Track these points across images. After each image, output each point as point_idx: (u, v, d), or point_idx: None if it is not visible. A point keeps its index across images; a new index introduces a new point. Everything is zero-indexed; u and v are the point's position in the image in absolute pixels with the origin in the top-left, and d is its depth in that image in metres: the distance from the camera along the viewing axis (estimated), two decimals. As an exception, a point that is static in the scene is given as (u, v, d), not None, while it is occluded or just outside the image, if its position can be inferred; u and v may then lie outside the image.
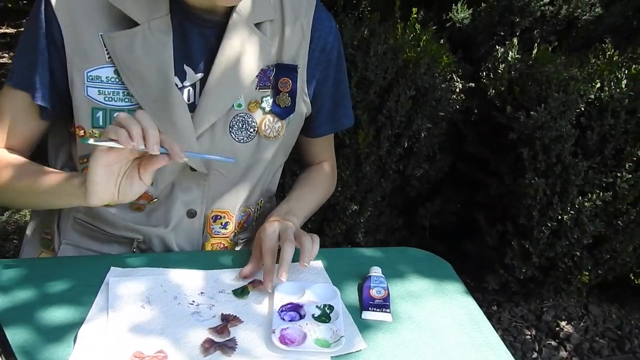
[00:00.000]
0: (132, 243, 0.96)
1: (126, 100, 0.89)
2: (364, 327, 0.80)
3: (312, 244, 0.87)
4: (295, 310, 0.80)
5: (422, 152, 2.01)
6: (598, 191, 1.76)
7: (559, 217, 1.83)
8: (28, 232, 1.06)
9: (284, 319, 0.78)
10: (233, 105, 0.92)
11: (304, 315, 0.79)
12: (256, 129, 0.96)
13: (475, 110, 2.06)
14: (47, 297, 0.79)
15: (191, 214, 0.97)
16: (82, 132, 0.91)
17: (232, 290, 0.83)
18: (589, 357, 1.92)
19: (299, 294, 0.83)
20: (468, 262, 2.08)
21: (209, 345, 0.72)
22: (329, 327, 0.77)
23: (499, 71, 1.89)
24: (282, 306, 0.80)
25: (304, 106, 1.01)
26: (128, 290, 0.81)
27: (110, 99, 0.89)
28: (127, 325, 0.74)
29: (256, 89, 0.94)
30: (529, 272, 1.94)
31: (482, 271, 2.06)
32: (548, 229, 1.85)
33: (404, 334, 0.80)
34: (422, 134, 1.97)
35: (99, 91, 0.88)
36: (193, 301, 0.80)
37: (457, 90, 1.98)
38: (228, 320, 0.77)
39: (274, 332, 0.74)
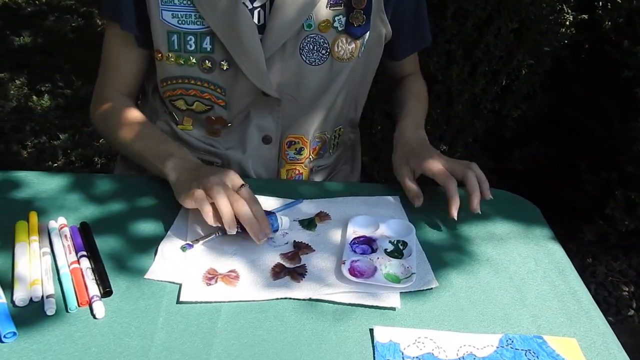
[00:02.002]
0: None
1: (198, 23, 0.89)
2: (439, 266, 0.77)
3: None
4: (367, 244, 0.79)
5: (522, 91, 1.87)
6: None
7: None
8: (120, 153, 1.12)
9: (355, 252, 0.77)
10: (303, 25, 0.90)
11: (376, 250, 0.77)
12: (328, 50, 0.93)
13: (586, 46, 1.87)
14: (134, 212, 0.84)
15: (267, 140, 0.98)
16: (159, 56, 0.92)
17: (299, 221, 0.83)
18: (694, 320, 1.78)
19: (372, 228, 0.82)
20: (563, 211, 1.96)
21: (279, 270, 0.73)
22: (401, 262, 0.75)
23: (619, 0, 1.68)
24: (355, 239, 0.79)
25: (381, 26, 0.96)
26: None
27: (183, 22, 0.89)
28: (204, 245, 0.77)
29: (327, 7, 0.91)
30: (632, 224, 1.79)
31: (578, 221, 1.94)
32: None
33: (481, 276, 0.76)
34: (523, 71, 1.83)
35: (172, 14, 0.89)
36: None
37: (567, 23, 1.80)
38: (300, 248, 0.78)
39: (344, 263, 0.74)
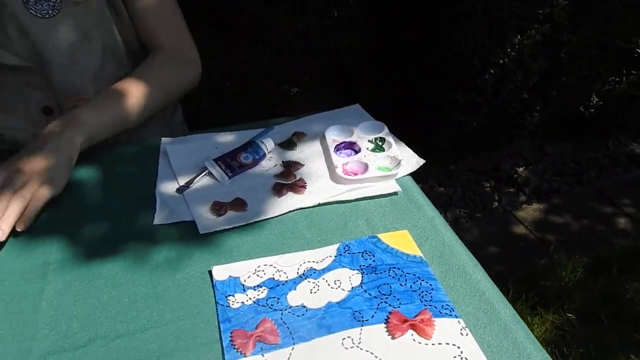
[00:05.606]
0: None
1: None
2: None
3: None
4: (350, 148, 0.89)
5: (344, 19, 2.05)
6: (537, 25, 1.94)
7: (501, 62, 2.01)
8: None
9: (341, 156, 0.87)
10: None
11: (359, 150, 0.88)
12: None
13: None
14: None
15: (47, 111, 0.95)
16: None
17: (278, 144, 0.91)
18: (548, 197, 2.21)
19: (348, 134, 0.92)
20: (419, 129, 2.23)
21: (280, 188, 0.80)
22: (386, 155, 0.87)
23: None
24: (336, 146, 0.89)
25: None
26: (186, 155, 0.88)
27: None
28: (197, 184, 0.82)
29: None
30: (478, 124, 2.14)
31: (436, 135, 2.23)
32: (491, 76, 2.03)
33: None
34: (350, 1, 2.01)
35: None
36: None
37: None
38: (290, 166, 0.85)
39: (337, 167, 0.83)
